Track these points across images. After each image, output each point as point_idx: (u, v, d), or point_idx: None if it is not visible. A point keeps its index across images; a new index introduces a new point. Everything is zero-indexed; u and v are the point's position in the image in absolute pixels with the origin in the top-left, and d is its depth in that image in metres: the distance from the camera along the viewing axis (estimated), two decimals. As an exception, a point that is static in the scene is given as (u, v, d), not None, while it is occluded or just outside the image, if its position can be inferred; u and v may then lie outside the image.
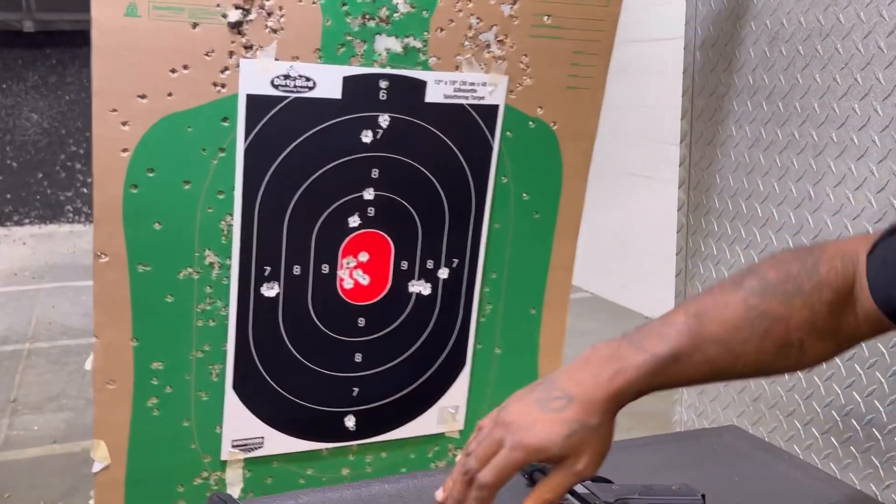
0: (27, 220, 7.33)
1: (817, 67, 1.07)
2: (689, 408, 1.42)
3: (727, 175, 1.28)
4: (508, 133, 1.14)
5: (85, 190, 7.55)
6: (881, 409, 0.98)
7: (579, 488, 0.95)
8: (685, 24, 1.34)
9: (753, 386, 1.23)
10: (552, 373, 0.73)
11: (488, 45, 1.07)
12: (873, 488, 0.99)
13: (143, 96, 0.93)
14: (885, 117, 0.99)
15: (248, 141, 1.00)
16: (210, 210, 1.01)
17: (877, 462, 0.99)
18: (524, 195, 1.20)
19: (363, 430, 1.20)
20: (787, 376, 1.15)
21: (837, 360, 1.06)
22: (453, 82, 1.08)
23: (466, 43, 1.07)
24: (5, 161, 7.27)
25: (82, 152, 7.46)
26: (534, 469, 1.03)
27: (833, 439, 1.07)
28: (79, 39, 7.34)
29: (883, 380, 0.97)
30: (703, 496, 0.92)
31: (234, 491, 1.15)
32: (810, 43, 1.09)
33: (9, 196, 7.28)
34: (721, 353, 0.64)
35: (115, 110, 0.91)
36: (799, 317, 0.62)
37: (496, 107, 1.10)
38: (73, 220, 7.44)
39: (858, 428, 1.02)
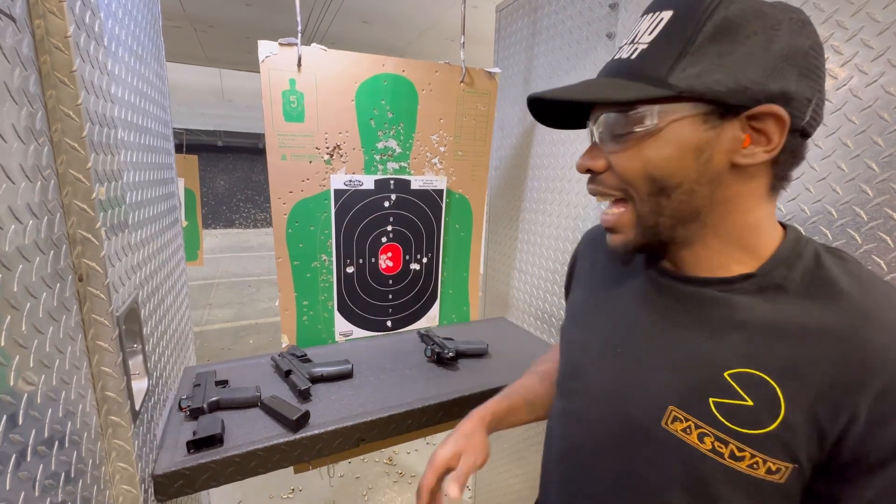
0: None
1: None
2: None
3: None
4: (447, 199, 2.02)
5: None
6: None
7: (436, 337, 1.85)
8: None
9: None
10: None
11: (436, 164, 1.97)
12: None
13: (291, 191, 1.70)
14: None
15: (336, 208, 1.79)
16: (322, 237, 1.80)
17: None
18: (456, 225, 2.10)
19: (396, 326, 2.05)
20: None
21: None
22: (423, 180, 1.94)
23: (426, 164, 1.93)
24: None
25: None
26: (436, 351, 1.76)
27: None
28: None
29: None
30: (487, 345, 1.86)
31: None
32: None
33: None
34: (530, 412, 1.09)
35: (280, 198, 1.70)
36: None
37: (442, 190, 2.01)
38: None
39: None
